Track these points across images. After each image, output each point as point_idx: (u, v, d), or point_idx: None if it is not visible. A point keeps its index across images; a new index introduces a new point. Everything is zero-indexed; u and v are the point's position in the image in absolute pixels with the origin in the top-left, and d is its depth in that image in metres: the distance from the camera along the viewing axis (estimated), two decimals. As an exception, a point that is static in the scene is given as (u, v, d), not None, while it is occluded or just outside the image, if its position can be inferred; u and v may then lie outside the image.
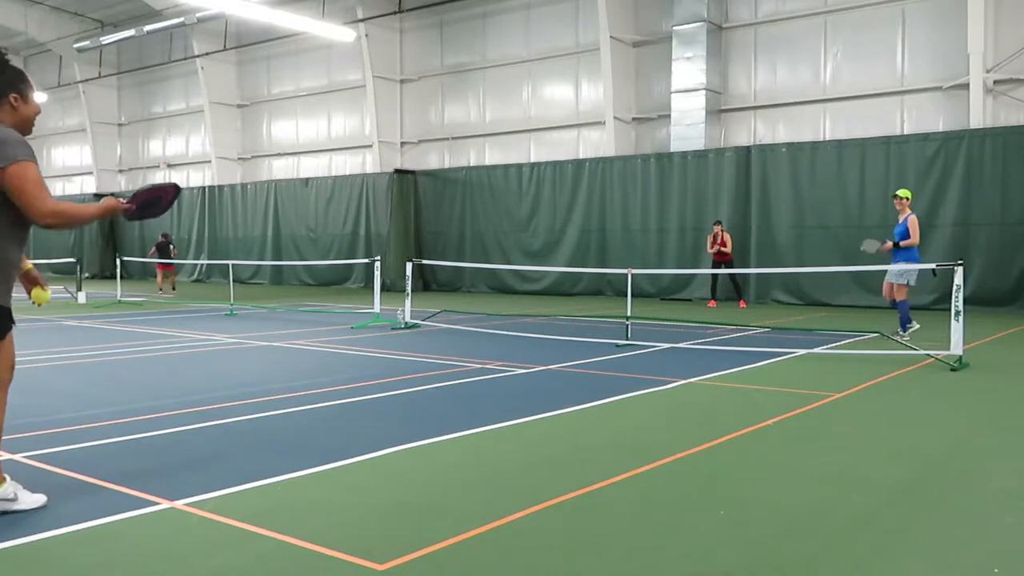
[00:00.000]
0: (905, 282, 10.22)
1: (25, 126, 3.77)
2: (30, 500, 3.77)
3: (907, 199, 10.63)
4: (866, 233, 16.18)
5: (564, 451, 5.02)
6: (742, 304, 16.51)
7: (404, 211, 23.18)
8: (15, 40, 32.54)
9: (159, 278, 21.39)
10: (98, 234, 31.57)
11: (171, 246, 21.67)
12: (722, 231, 16.27)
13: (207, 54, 27.35)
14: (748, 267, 17.21)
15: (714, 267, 16.28)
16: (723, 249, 16.21)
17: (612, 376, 7.84)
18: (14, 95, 3.69)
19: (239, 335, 11.25)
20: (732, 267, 16.31)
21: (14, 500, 3.72)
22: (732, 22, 18.91)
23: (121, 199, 3.96)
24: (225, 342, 10.55)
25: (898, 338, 10.06)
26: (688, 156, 18.55)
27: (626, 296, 10.59)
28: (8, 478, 3.76)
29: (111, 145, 33.17)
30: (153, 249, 21.90)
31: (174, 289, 22.12)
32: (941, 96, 16.54)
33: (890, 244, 10.31)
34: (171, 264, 21.73)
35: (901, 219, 10.48)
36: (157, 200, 4.09)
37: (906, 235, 10.24)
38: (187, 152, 30.84)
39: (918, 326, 10.54)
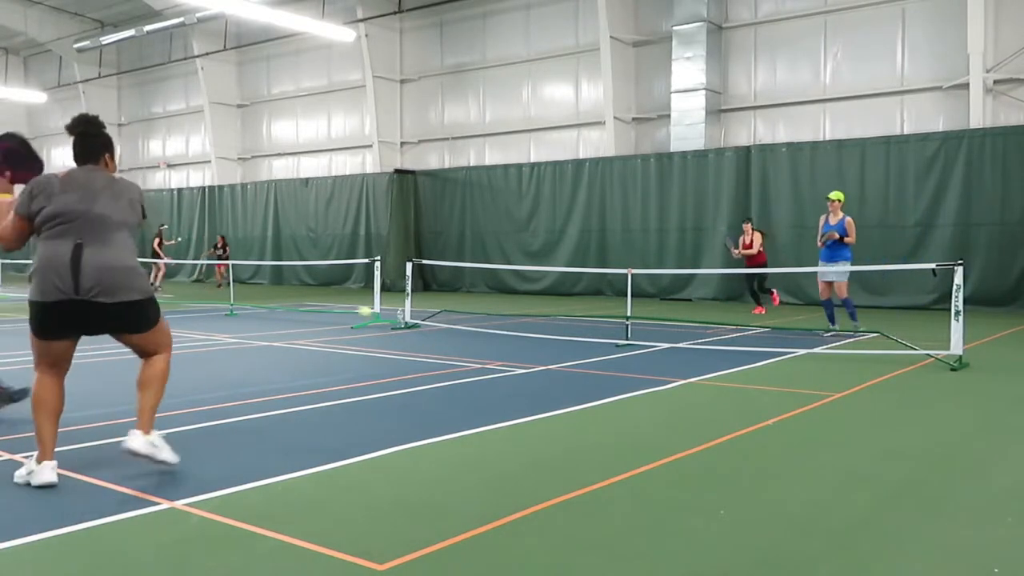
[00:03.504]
0: (842, 280, 10.86)
1: None
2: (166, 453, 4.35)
3: (839, 201, 11.05)
4: (868, 233, 16.20)
5: (564, 451, 5.02)
6: (759, 310, 14.93)
7: (404, 211, 23.18)
8: (15, 40, 32.54)
9: (218, 275, 24.65)
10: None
11: (227, 247, 24.50)
12: (752, 229, 14.52)
13: (207, 54, 27.34)
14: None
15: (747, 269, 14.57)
16: (747, 251, 14.35)
17: (612, 376, 7.84)
18: (108, 154, 4.49)
19: (239, 335, 11.25)
20: (764, 267, 14.35)
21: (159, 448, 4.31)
22: (732, 22, 18.90)
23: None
24: (225, 342, 10.55)
25: (853, 330, 10.70)
26: (688, 156, 18.54)
27: (626, 296, 10.59)
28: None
29: (109, 145, 33.16)
30: (211, 250, 24.95)
31: (220, 287, 23.81)
32: (941, 96, 16.53)
33: (835, 235, 10.78)
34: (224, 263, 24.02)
35: (834, 220, 10.93)
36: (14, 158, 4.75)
37: (844, 232, 10.80)
38: (187, 152, 30.83)
39: (838, 327, 11.06)
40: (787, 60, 18.33)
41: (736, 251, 14.52)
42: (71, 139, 4.45)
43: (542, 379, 7.69)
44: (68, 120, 4.41)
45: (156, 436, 4.35)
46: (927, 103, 16.72)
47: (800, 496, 4.08)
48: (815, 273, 16.32)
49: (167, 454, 4.32)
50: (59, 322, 4.24)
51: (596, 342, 10.30)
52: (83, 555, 3.29)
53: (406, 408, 6.32)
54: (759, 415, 5.94)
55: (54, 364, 4.33)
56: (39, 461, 4.19)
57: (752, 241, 14.38)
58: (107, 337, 4.53)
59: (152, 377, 4.48)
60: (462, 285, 22.44)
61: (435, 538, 3.40)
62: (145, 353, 4.55)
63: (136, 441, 4.26)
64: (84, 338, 4.45)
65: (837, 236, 10.77)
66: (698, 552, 3.33)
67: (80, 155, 4.42)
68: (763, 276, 14.65)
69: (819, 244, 11.10)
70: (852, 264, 10.97)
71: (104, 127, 4.53)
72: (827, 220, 11.06)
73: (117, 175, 4.53)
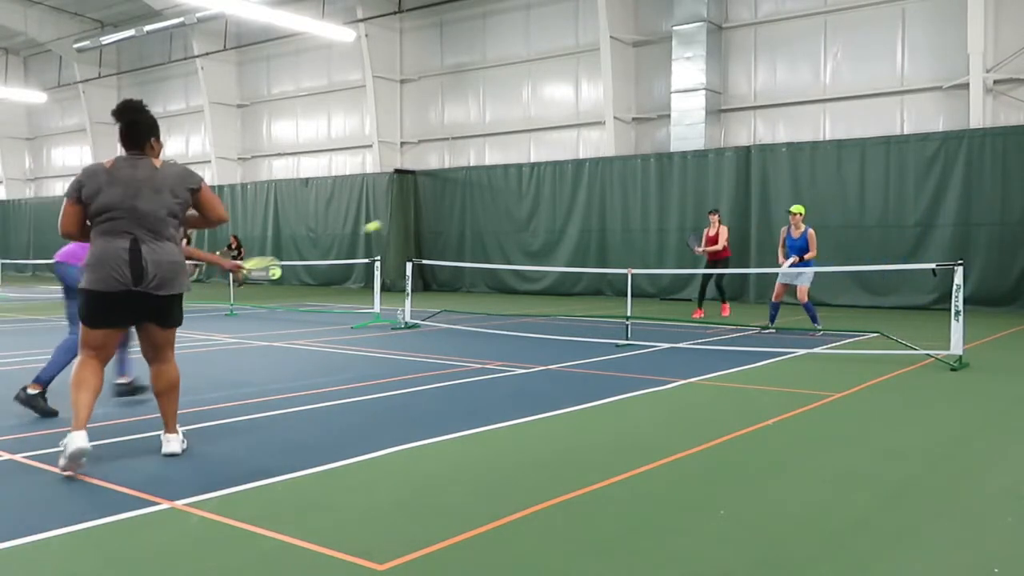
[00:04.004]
0: (808, 284, 11.22)
1: None
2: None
3: (800, 215, 11.25)
4: (868, 234, 16.26)
5: (564, 451, 5.02)
6: (726, 310, 14.18)
7: (404, 211, 23.18)
8: (15, 40, 32.51)
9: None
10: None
11: (241, 247, 24.88)
12: (719, 222, 13.68)
13: (207, 54, 27.34)
14: (748, 267, 17.18)
15: (708, 267, 13.75)
16: (711, 247, 13.46)
17: (612, 376, 7.84)
18: (154, 138, 4.64)
19: (239, 335, 11.25)
20: (728, 267, 13.89)
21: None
22: (732, 22, 18.90)
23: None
24: (225, 342, 10.55)
25: (820, 333, 11.07)
26: (688, 156, 18.54)
27: (626, 296, 10.59)
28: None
29: (111, 145, 33.11)
30: (224, 250, 24.84)
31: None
32: (941, 96, 16.53)
33: (796, 259, 11.11)
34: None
35: (797, 234, 11.17)
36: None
37: (806, 248, 11.11)
38: (187, 152, 30.81)
39: (773, 328, 11.66)
40: (787, 60, 18.32)
41: (699, 248, 13.54)
42: (117, 126, 4.55)
43: (542, 379, 7.69)
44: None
45: (182, 434, 4.88)
46: (927, 103, 16.72)
47: (800, 496, 4.08)
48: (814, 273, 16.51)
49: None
50: (111, 311, 4.49)
51: (596, 342, 10.30)
52: (83, 555, 3.28)
53: (406, 408, 6.32)
54: (759, 415, 5.94)
55: (97, 349, 4.54)
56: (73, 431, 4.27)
57: (718, 235, 13.42)
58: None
59: (171, 385, 4.87)
60: (462, 285, 22.44)
61: (435, 538, 3.40)
62: (158, 349, 4.80)
63: (173, 444, 4.73)
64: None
65: (798, 259, 11.10)
66: (698, 552, 3.33)
67: (126, 142, 4.57)
68: (722, 275, 13.86)
69: (779, 260, 11.35)
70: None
71: (148, 110, 4.67)
72: (789, 233, 11.28)
73: (162, 160, 4.64)
